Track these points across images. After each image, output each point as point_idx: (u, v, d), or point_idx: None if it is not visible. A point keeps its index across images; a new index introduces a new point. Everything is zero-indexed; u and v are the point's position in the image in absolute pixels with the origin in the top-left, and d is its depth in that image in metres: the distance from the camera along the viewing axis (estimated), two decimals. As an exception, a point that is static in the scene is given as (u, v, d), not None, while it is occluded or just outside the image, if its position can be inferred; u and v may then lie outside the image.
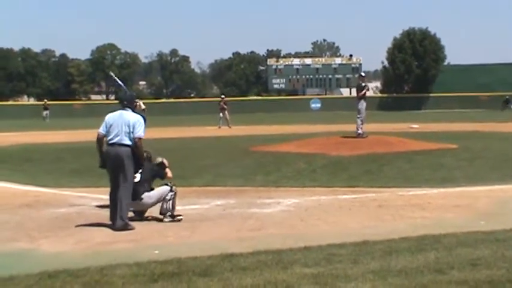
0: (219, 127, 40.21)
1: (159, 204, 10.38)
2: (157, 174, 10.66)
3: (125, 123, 9.95)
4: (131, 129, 9.91)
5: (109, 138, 10.02)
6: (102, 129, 10.09)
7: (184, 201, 11.37)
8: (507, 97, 67.08)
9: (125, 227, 9.67)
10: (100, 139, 10.15)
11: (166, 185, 10.62)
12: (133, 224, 9.93)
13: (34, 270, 7.10)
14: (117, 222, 9.73)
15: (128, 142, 9.90)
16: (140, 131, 9.96)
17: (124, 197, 9.89)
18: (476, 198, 12.00)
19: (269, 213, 10.87)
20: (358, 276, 6.56)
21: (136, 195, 10.30)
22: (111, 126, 10.01)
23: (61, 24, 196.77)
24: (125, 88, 12.43)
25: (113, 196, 9.96)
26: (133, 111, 10.29)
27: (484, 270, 6.69)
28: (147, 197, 10.39)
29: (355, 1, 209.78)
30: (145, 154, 10.48)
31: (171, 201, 10.38)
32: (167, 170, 10.72)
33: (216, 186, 14.13)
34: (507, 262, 7.01)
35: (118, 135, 9.92)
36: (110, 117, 10.15)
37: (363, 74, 27.21)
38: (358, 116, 23.69)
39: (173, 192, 10.46)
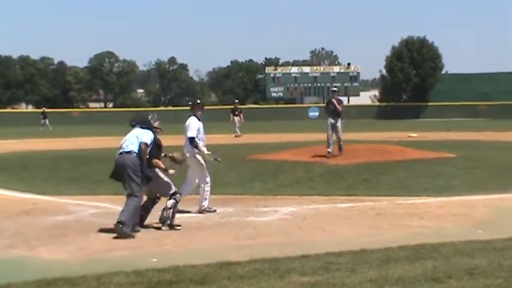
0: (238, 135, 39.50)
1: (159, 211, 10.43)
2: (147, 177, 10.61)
3: (133, 135, 10.29)
4: (139, 139, 10.18)
5: (119, 149, 10.29)
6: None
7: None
8: None
9: (122, 234, 9.64)
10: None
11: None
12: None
13: (32, 278, 7.11)
14: (116, 227, 9.75)
15: (133, 149, 10.09)
16: (146, 138, 10.20)
17: (130, 206, 9.95)
18: (474, 207, 12.01)
19: (267, 222, 10.87)
20: (355, 285, 6.56)
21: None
22: (124, 141, 10.35)
23: (59, 32, 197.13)
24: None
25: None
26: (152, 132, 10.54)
27: (482, 280, 6.70)
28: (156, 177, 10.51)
29: (354, 10, 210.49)
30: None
31: (171, 210, 10.39)
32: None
33: (214, 194, 14.10)
34: (505, 271, 7.02)
35: (126, 145, 10.20)
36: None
37: (334, 89, 24.91)
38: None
39: (175, 201, 10.47)
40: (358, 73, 78.46)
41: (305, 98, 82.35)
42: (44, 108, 66.03)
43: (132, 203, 9.97)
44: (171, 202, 10.41)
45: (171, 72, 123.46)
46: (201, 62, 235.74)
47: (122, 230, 9.65)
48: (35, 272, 7.49)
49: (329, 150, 21.49)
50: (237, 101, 45.63)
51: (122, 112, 69.09)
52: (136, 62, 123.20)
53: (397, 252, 8.13)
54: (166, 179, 10.59)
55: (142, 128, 10.47)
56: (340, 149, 21.84)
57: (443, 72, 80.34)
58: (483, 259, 7.61)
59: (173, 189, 10.55)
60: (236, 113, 41.72)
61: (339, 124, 21.59)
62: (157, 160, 10.58)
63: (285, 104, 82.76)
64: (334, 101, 21.93)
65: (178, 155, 11.54)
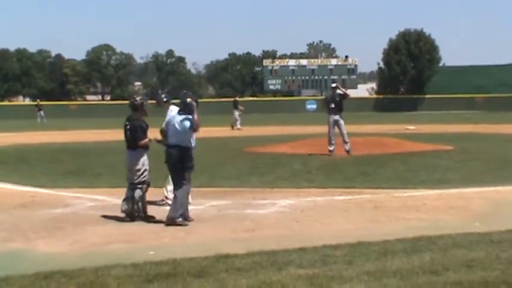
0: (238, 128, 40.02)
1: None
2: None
3: (173, 123, 10.41)
4: (180, 128, 10.27)
5: (168, 139, 10.47)
6: (164, 125, 10.80)
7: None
8: None
9: (173, 222, 9.92)
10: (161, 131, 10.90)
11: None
12: (130, 224, 10.06)
13: (29, 270, 7.10)
14: (167, 217, 10.02)
15: (178, 143, 10.25)
16: (187, 126, 10.27)
17: (180, 195, 10.11)
18: (471, 200, 12.02)
19: (264, 214, 10.87)
20: (353, 278, 6.56)
21: None
22: (168, 123, 10.60)
23: (57, 25, 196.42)
24: None
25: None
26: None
27: (479, 272, 6.70)
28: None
29: (351, 2, 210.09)
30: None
31: (140, 203, 10.41)
32: None
33: (211, 187, 14.10)
34: (502, 263, 7.02)
35: (170, 136, 10.39)
36: (170, 112, 10.77)
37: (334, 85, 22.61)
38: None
39: (141, 192, 10.45)
40: (356, 66, 78.35)
41: (303, 91, 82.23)
42: (38, 101, 66.01)
43: (181, 192, 10.16)
44: (138, 193, 10.42)
45: (169, 65, 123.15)
46: (199, 55, 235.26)
47: (172, 220, 9.98)
48: (33, 265, 7.50)
49: (330, 149, 20.68)
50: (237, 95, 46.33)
51: (120, 105, 68.88)
52: (133, 54, 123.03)
53: (394, 245, 8.13)
54: (142, 166, 10.54)
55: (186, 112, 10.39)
56: (347, 151, 20.55)
57: (440, 64, 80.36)
58: (480, 251, 7.62)
59: (141, 178, 10.52)
60: (239, 107, 42.13)
61: (342, 121, 20.65)
62: (143, 141, 10.55)
63: (282, 96, 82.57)
64: (336, 97, 20.99)
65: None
